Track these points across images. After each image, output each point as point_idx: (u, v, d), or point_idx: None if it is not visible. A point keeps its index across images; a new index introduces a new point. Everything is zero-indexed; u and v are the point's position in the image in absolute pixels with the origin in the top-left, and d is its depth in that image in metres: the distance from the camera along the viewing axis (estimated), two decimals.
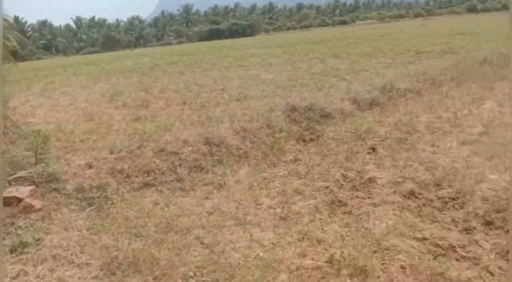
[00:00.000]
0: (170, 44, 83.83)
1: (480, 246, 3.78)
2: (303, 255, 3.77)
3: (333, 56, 19.32)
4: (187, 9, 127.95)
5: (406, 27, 50.09)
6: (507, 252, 3.63)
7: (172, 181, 5.81)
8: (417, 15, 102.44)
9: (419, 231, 4.01)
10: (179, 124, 8.16)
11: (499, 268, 3.44)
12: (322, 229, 4.23)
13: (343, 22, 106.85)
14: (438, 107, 8.52)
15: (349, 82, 11.27)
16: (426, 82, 10.59)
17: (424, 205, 4.56)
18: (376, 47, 21.91)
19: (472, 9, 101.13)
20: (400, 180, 5.22)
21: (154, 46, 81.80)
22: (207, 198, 5.24)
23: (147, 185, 5.76)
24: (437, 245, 3.78)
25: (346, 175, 5.57)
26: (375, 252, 3.71)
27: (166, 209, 4.97)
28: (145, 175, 5.91)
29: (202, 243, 4.13)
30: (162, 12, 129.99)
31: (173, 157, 6.33)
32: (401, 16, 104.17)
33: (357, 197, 4.95)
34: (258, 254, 3.82)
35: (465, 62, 13.18)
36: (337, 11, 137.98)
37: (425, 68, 12.34)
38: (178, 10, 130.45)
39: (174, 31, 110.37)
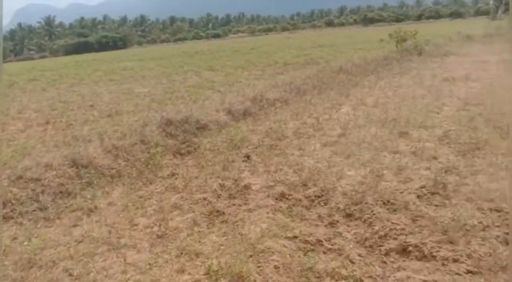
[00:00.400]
0: (32, 59, 76.22)
1: (343, 237, 4.17)
2: (181, 271, 3.70)
3: (208, 69, 19.65)
4: (49, 21, 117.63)
5: (274, 40, 53.67)
6: (365, 239, 4.08)
7: (34, 210, 5.21)
8: (284, 29, 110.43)
9: (290, 230, 4.27)
10: (41, 146, 7.41)
11: (359, 255, 3.83)
12: (200, 241, 4.22)
13: (217, 36, 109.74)
14: (303, 114, 9.25)
15: (223, 94, 11.56)
16: (292, 91, 11.44)
17: (294, 205, 4.87)
18: (248, 60, 22.94)
19: (330, 24, 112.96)
20: (272, 184, 5.50)
21: (12, 61, 73.23)
22: (75, 225, 4.82)
23: (4, 218, 5.07)
24: (306, 242, 4.07)
25: (223, 184, 5.67)
26: (250, 256, 3.83)
27: (27, 242, 4.43)
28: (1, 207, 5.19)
29: (70, 275, 3.78)
30: (19, 25, 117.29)
31: (34, 183, 5.70)
32: (269, 30, 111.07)
33: (234, 204, 5.07)
34: (129, 278, 3.63)
35: (324, 71, 14.59)
36: (210, 25, 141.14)
37: (291, 79, 13.32)
38: (39, 22, 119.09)
39: (35, 45, 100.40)
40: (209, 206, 5.05)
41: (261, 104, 10.04)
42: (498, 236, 3.86)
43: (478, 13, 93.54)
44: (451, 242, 3.82)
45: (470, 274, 3.40)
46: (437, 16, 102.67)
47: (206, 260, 3.82)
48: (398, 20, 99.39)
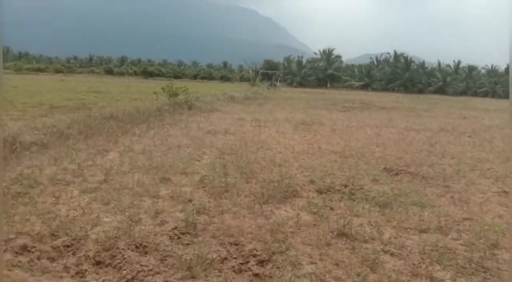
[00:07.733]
0: None
1: None
2: None
3: None
4: None
5: (45, 81, 49.11)
6: None
7: None
8: (58, 71, 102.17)
9: None
10: None
11: None
12: None
13: None
14: (64, 159, 8.58)
15: None
16: (54, 135, 10.54)
17: (37, 258, 4.39)
18: (7, 99, 20.10)
19: (109, 71, 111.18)
20: (13, 236, 4.82)
21: None
22: None
23: None
24: None
25: None
26: None
27: None
28: None
29: None
30: None
31: None
32: (41, 70, 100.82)
33: None
34: None
35: (94, 117, 14.10)
36: None
37: (55, 122, 12.33)
38: None
39: None
40: None
41: (13, 148, 8.81)
42: (233, 266, 4.41)
43: (242, 79, 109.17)
44: (193, 277, 4.14)
45: None
46: (210, 77, 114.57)
47: None
48: (176, 76, 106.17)
